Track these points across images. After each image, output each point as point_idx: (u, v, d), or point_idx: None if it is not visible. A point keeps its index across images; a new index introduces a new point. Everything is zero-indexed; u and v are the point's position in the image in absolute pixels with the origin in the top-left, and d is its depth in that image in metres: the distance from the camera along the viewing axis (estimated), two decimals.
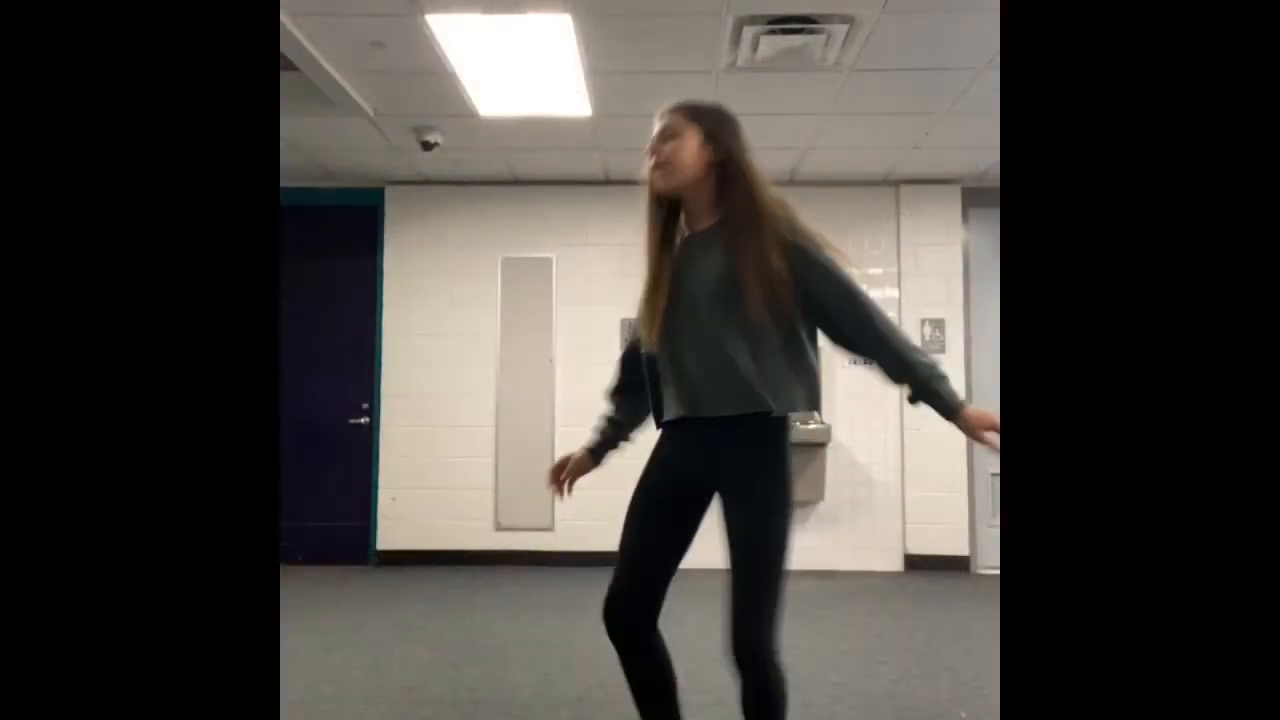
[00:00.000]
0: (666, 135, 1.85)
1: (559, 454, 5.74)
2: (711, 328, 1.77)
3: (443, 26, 3.42)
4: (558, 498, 2.13)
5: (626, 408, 2.05)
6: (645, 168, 1.88)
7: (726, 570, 1.79)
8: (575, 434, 5.39)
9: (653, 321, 1.85)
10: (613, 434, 2.06)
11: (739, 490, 1.79)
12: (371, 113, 4.34)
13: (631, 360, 2.02)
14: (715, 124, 1.86)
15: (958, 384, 5.36)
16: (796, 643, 3.71)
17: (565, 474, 2.10)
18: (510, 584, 4.89)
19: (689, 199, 1.87)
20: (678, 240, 1.91)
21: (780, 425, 1.80)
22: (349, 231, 5.70)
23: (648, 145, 1.88)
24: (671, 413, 1.86)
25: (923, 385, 1.82)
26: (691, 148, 1.82)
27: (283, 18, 3.27)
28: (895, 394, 5.49)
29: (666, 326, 1.83)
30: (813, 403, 1.85)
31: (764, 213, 1.77)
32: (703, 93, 4.07)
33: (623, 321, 5.53)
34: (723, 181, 1.82)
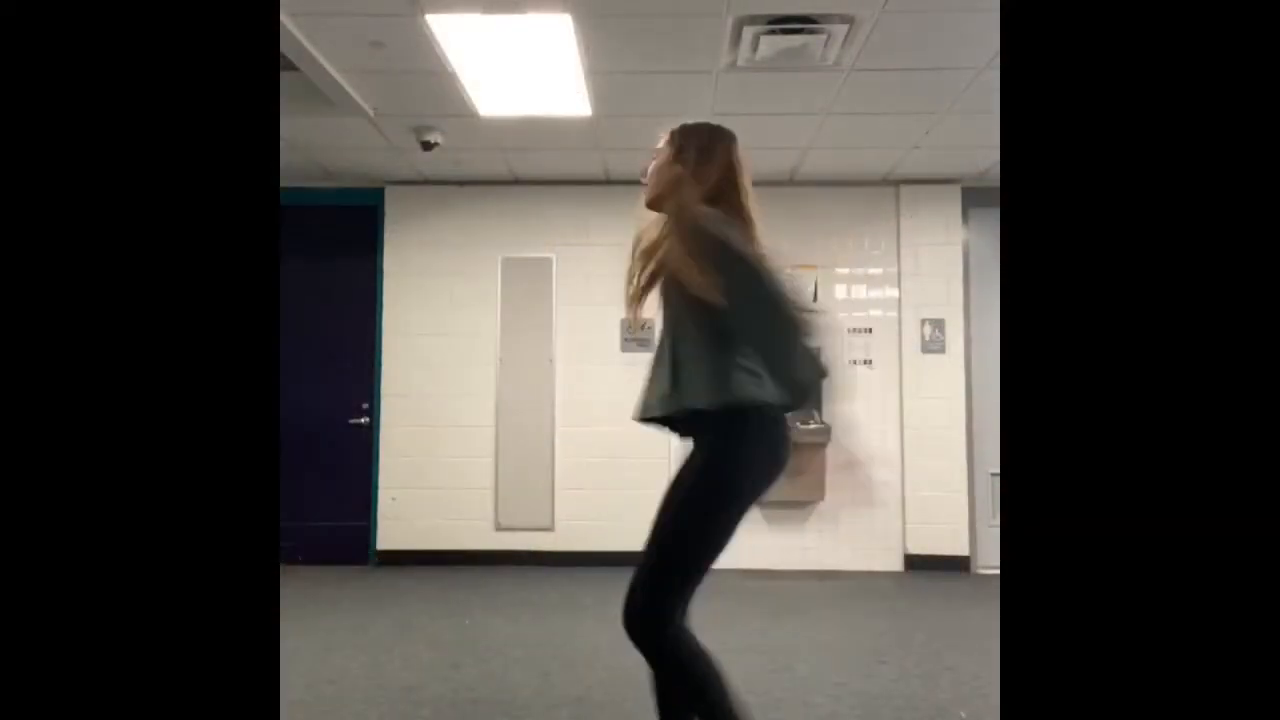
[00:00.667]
0: (654, 154, 1.99)
1: (559, 454, 5.76)
2: (664, 331, 1.91)
3: (443, 26, 3.42)
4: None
5: None
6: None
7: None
8: (575, 434, 5.48)
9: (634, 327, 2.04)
10: None
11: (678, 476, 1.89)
12: (371, 113, 4.34)
13: None
14: (684, 142, 1.95)
15: (958, 384, 5.43)
16: (796, 643, 3.71)
17: None
18: (510, 584, 4.89)
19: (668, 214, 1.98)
20: None
21: (714, 421, 1.81)
22: (349, 231, 5.70)
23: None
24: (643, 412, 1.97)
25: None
26: (661, 165, 1.95)
27: (283, 18, 3.27)
28: (895, 394, 5.51)
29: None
30: (722, 396, 1.82)
31: (683, 225, 1.84)
32: (703, 93, 4.09)
33: (622, 321, 5.53)
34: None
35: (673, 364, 1.86)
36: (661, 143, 1.98)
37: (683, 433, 1.92)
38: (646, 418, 1.91)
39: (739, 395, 1.79)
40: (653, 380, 1.91)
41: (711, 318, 1.80)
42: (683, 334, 1.86)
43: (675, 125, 2.01)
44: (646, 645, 1.80)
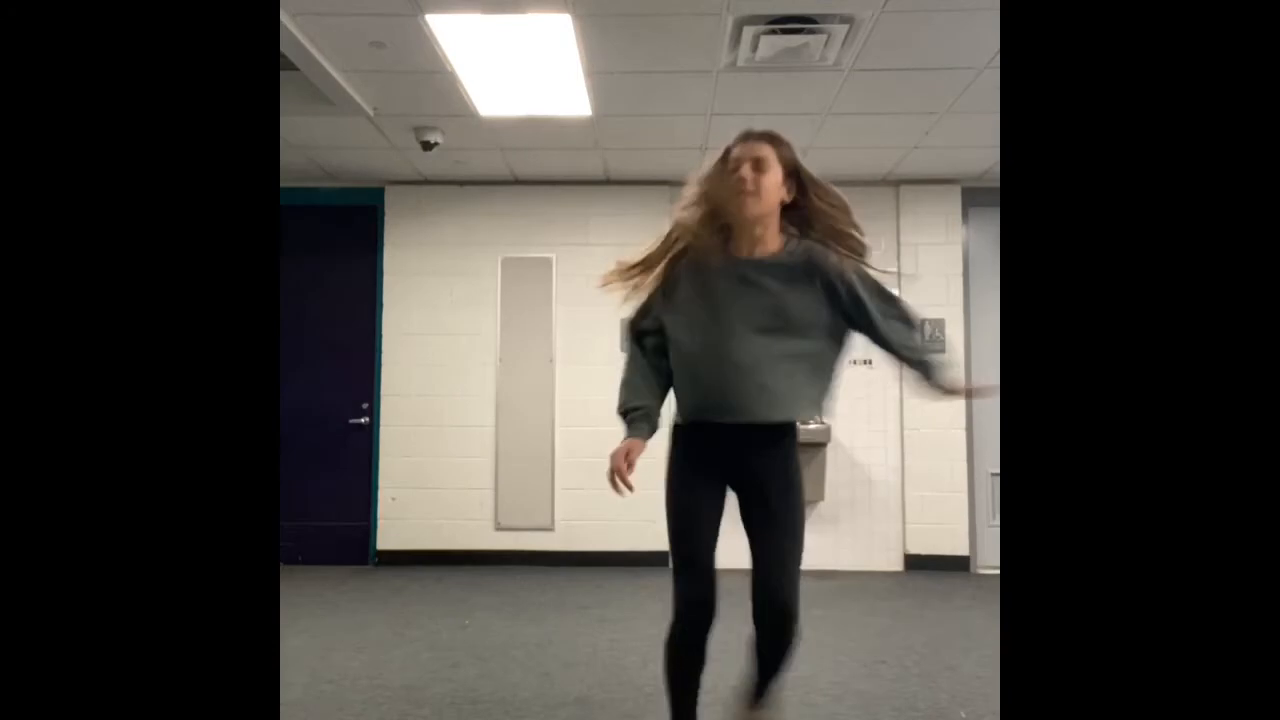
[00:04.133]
0: (761, 166, 2.00)
1: (559, 454, 5.75)
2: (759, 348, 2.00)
3: (443, 26, 3.42)
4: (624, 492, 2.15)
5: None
6: (729, 189, 2.01)
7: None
8: (575, 434, 5.48)
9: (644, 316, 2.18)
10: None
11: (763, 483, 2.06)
12: (371, 113, 4.34)
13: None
14: (794, 161, 2.05)
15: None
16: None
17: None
18: (510, 584, 4.89)
19: (754, 226, 2.03)
20: (715, 258, 2.06)
21: (792, 431, 2.14)
22: (349, 231, 5.70)
23: (741, 167, 2.00)
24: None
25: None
26: (776, 181, 2.02)
27: (283, 18, 3.27)
28: (895, 394, 5.50)
29: (709, 334, 2.01)
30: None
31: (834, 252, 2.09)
32: (703, 93, 4.09)
33: (622, 321, 5.52)
34: (794, 217, 2.08)
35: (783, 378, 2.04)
36: (756, 149, 2.01)
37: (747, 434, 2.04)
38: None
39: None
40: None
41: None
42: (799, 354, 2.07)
43: (759, 130, 2.06)
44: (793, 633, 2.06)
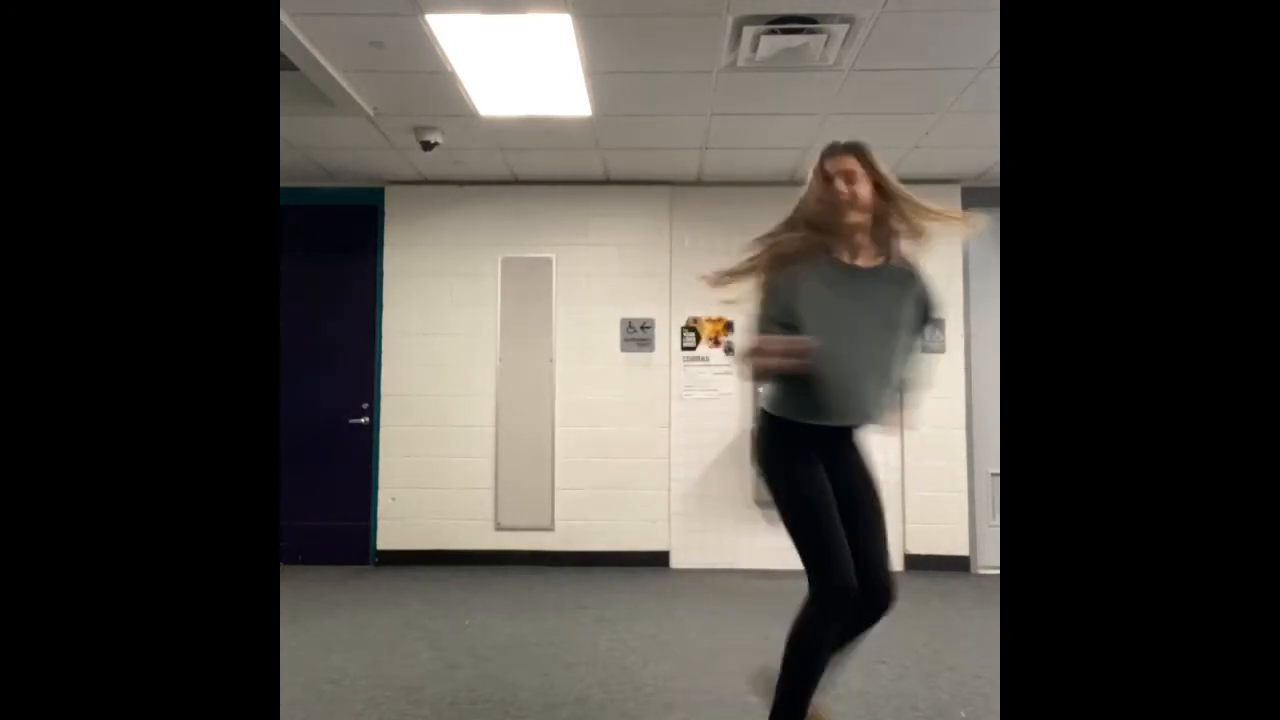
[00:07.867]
0: (853, 178, 2.09)
1: (559, 454, 5.75)
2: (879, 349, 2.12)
3: (443, 26, 3.42)
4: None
5: None
6: (828, 202, 2.10)
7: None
8: (575, 434, 5.48)
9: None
10: None
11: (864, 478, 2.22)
12: (371, 113, 4.34)
13: None
14: (877, 170, 2.11)
15: (958, 384, 5.43)
16: None
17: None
18: (510, 584, 4.90)
19: (854, 234, 2.12)
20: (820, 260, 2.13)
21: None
22: (349, 231, 5.70)
23: (836, 180, 2.08)
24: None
25: None
26: (869, 190, 2.09)
27: (283, 18, 3.27)
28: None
29: (835, 341, 2.05)
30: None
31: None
32: (703, 93, 4.09)
33: (622, 321, 5.53)
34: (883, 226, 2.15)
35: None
36: (846, 162, 2.09)
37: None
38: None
39: None
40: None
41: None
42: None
43: (844, 143, 2.12)
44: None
